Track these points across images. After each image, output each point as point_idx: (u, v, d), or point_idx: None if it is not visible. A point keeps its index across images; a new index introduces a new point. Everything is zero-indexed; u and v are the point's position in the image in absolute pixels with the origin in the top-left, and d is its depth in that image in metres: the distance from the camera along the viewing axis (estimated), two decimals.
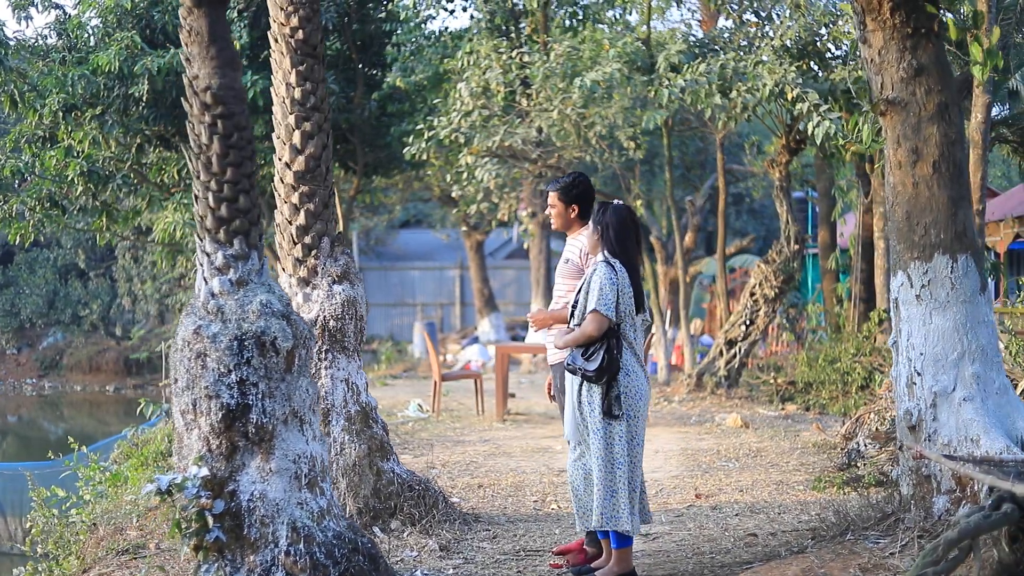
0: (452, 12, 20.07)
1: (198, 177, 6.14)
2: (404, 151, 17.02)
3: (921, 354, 6.58)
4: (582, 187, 7.21)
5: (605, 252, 6.55)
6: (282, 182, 7.77)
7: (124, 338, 33.24)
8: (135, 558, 7.81)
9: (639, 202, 18.95)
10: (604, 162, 17.98)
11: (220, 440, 5.90)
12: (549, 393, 7.59)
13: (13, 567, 9.52)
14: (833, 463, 10.30)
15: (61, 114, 15.42)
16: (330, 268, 7.72)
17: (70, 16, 16.16)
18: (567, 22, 19.11)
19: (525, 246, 25.86)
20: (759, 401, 15.97)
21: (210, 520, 5.82)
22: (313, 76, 7.77)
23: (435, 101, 17.47)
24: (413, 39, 20.17)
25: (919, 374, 6.57)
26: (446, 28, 20.88)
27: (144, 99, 15.85)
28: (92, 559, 8.17)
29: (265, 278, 6.15)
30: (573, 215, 7.18)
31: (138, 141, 17.41)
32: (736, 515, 8.33)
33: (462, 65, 17.15)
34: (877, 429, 10.40)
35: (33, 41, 16.19)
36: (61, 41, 16.20)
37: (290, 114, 7.74)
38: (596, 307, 6.38)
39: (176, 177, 17.91)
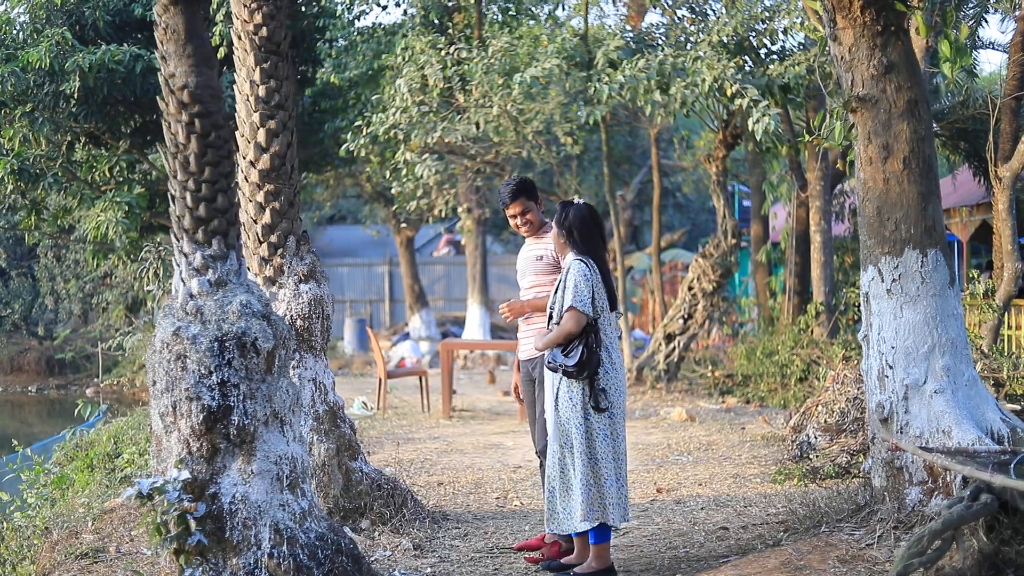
0: (385, 8, 19.91)
1: (175, 176, 6.04)
2: (341, 148, 16.92)
3: (892, 347, 6.67)
4: (534, 188, 7.25)
5: (573, 252, 6.56)
6: (247, 180, 7.67)
7: (46, 338, 32.55)
8: (95, 562, 7.68)
9: (575, 197, 18.95)
10: (541, 157, 18.00)
11: (201, 442, 5.82)
12: (516, 394, 7.54)
13: None
14: (785, 455, 10.40)
15: None
16: (296, 267, 7.64)
17: None
18: (500, 18, 19.08)
19: (463, 242, 25.82)
20: (699, 394, 16.09)
21: (192, 524, 5.73)
22: (277, 74, 7.68)
23: (374, 96, 17.34)
24: (345, 35, 20.03)
25: (891, 367, 6.66)
26: (379, 23, 20.72)
27: (75, 96, 15.62)
28: (50, 564, 8.00)
29: (243, 278, 6.08)
30: (540, 216, 7.22)
31: (68, 139, 17.17)
32: (702, 509, 8.38)
33: (399, 61, 17.03)
34: (826, 421, 10.55)
35: None
36: None
37: (254, 112, 7.64)
38: (573, 304, 6.38)
39: (107, 175, 17.68)
